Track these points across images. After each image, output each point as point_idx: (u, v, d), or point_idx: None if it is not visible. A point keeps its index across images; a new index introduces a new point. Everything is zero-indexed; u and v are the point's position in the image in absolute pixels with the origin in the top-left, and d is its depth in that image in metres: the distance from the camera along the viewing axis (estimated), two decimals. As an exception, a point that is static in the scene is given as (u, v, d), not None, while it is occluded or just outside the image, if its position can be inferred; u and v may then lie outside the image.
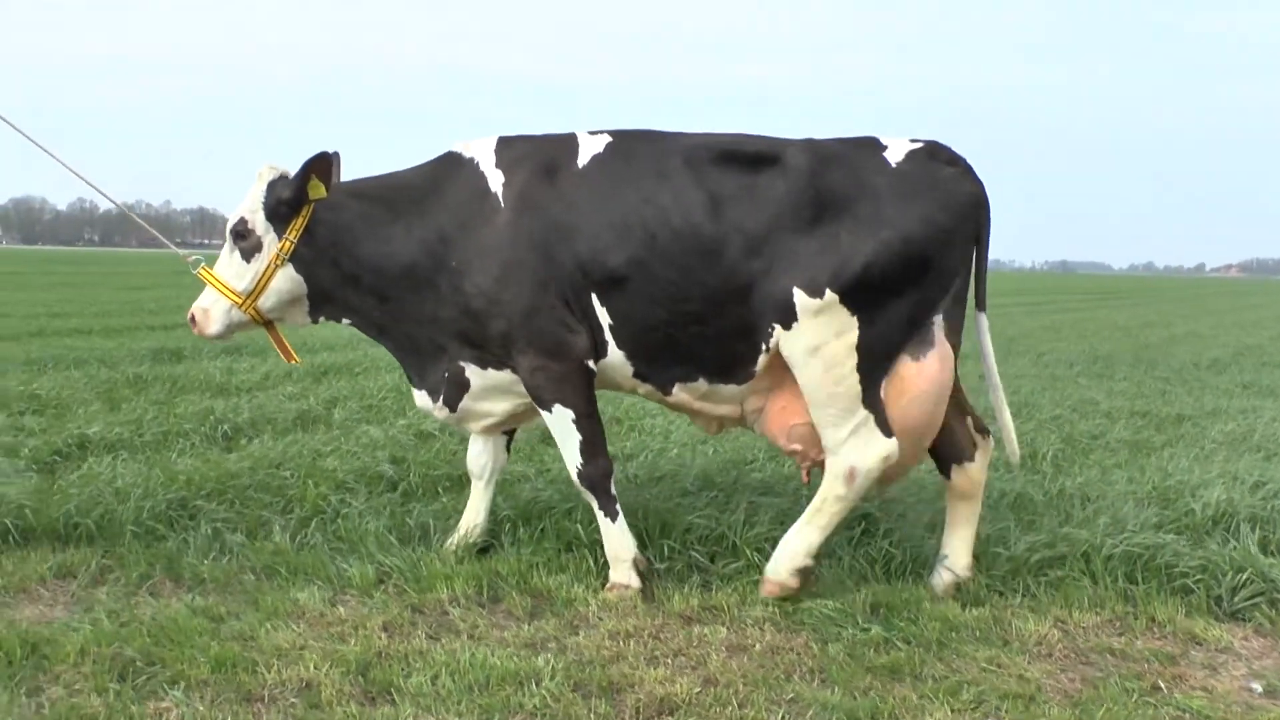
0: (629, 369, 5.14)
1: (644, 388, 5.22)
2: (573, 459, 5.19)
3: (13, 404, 8.93)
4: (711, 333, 4.96)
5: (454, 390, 5.36)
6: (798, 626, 4.77)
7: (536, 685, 3.98)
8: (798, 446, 5.15)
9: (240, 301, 5.27)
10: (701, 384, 5.12)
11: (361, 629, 4.50)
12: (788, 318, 4.85)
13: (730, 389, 5.12)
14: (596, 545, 5.36)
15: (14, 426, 7.86)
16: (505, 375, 5.23)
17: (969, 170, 5.02)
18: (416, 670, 4.07)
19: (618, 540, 5.18)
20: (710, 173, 4.98)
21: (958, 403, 5.28)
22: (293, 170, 5.19)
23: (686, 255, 4.89)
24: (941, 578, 5.22)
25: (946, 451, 5.29)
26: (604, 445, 5.25)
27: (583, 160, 5.14)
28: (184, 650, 4.17)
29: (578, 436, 5.15)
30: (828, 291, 4.78)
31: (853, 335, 4.82)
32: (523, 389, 5.20)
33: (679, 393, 5.18)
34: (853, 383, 4.85)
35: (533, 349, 5.06)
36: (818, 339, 4.81)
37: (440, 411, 5.44)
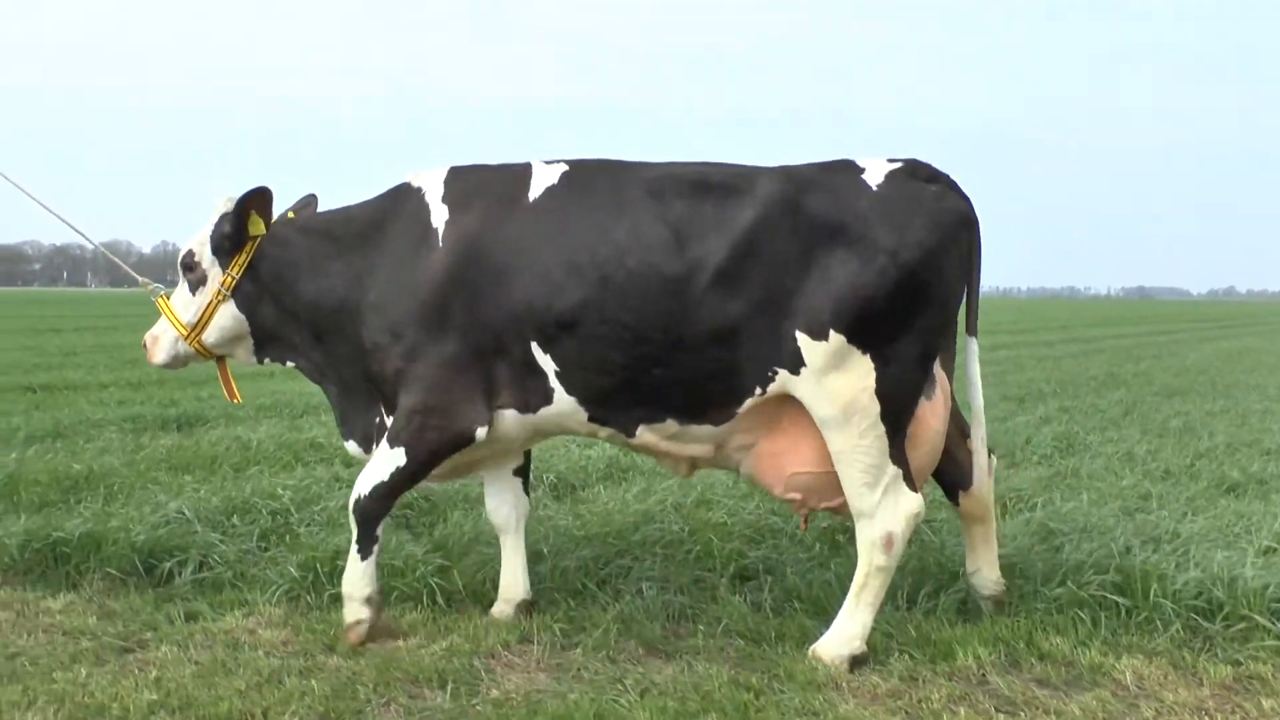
0: (583, 414, 4.79)
1: (604, 431, 4.87)
2: (363, 488, 4.86)
3: (304, 453, 8.76)
4: (680, 375, 4.60)
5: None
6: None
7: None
8: (796, 496, 4.81)
9: (186, 334, 5.21)
10: (670, 425, 4.76)
11: (928, 701, 4.19)
12: (794, 363, 4.51)
13: (705, 429, 4.75)
14: (1087, 604, 5.03)
15: (334, 479, 7.59)
16: None
17: (952, 185, 4.68)
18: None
19: (358, 577, 4.88)
20: (675, 206, 4.62)
21: (957, 425, 5.06)
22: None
23: (646, 296, 4.53)
24: (980, 593, 5.11)
25: (952, 478, 5.08)
26: (398, 497, 4.99)
27: (534, 193, 4.82)
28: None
29: (387, 481, 4.83)
30: (832, 333, 4.45)
31: (870, 380, 4.48)
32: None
33: (644, 434, 4.82)
34: (879, 434, 4.51)
35: (423, 396, 4.75)
36: (834, 386, 4.47)
37: None
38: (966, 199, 4.69)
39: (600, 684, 4.35)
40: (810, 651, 4.58)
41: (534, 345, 4.69)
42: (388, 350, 4.80)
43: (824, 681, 4.35)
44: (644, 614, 5.10)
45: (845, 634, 4.58)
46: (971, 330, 4.84)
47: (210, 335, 5.20)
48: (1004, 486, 7.46)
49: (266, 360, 5.31)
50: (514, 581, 5.27)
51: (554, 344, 4.66)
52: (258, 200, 5.04)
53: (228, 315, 5.17)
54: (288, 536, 6.20)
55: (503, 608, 5.21)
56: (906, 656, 4.61)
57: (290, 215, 5.37)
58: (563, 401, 4.76)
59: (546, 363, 4.70)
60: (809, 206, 4.53)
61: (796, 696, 4.19)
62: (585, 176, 4.85)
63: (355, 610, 4.87)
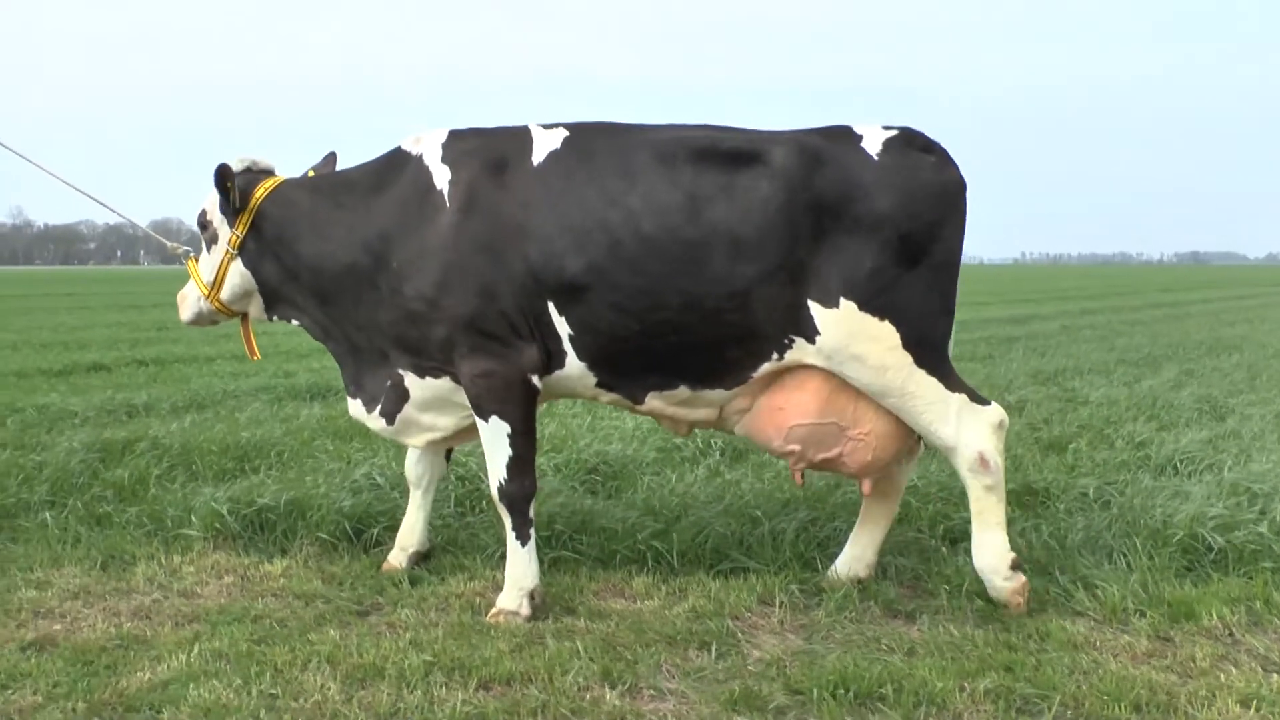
0: (591, 379, 4.84)
1: (608, 396, 4.91)
2: (497, 474, 4.87)
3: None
4: (697, 341, 4.65)
5: (394, 400, 5.13)
6: None
7: None
8: (795, 448, 4.84)
9: (206, 292, 5.39)
10: (682, 391, 4.82)
11: (1194, 660, 4.26)
12: (809, 330, 4.62)
13: (717, 394, 4.83)
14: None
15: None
16: (446, 384, 4.97)
17: (946, 156, 4.77)
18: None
19: (523, 565, 4.87)
20: (686, 171, 4.64)
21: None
22: (273, 162, 5.37)
23: (661, 262, 4.56)
24: (843, 571, 5.13)
25: None
26: (533, 465, 4.93)
27: (537, 156, 4.82)
28: (1076, 685, 4.00)
29: (509, 453, 4.83)
30: (843, 300, 4.56)
31: (895, 340, 4.60)
32: (466, 400, 4.92)
33: (653, 401, 4.88)
34: (921, 376, 4.63)
35: (477, 355, 4.77)
36: (859, 352, 4.59)
37: (376, 422, 5.22)
38: (958, 168, 4.78)
39: (858, 645, 4.44)
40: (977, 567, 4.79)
41: (551, 306, 4.72)
42: (428, 318, 4.82)
43: (1081, 642, 4.43)
44: (875, 575, 5.19)
45: (993, 563, 4.73)
46: None
47: (225, 292, 5.37)
48: (1169, 449, 7.48)
49: (275, 318, 5.44)
50: (413, 532, 5.56)
51: (568, 307, 4.69)
52: (220, 180, 5.17)
53: (236, 273, 5.31)
54: (483, 502, 6.32)
55: (399, 555, 5.51)
56: (1150, 616, 4.67)
57: (310, 174, 5.49)
58: (573, 366, 4.80)
59: (561, 325, 4.73)
60: (821, 178, 4.60)
61: (1065, 656, 4.27)
62: (586, 141, 4.86)
63: (514, 599, 4.85)
